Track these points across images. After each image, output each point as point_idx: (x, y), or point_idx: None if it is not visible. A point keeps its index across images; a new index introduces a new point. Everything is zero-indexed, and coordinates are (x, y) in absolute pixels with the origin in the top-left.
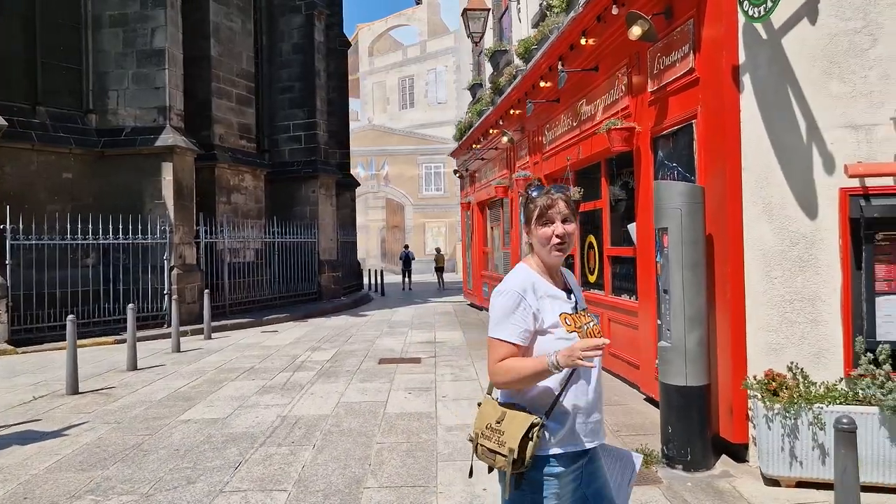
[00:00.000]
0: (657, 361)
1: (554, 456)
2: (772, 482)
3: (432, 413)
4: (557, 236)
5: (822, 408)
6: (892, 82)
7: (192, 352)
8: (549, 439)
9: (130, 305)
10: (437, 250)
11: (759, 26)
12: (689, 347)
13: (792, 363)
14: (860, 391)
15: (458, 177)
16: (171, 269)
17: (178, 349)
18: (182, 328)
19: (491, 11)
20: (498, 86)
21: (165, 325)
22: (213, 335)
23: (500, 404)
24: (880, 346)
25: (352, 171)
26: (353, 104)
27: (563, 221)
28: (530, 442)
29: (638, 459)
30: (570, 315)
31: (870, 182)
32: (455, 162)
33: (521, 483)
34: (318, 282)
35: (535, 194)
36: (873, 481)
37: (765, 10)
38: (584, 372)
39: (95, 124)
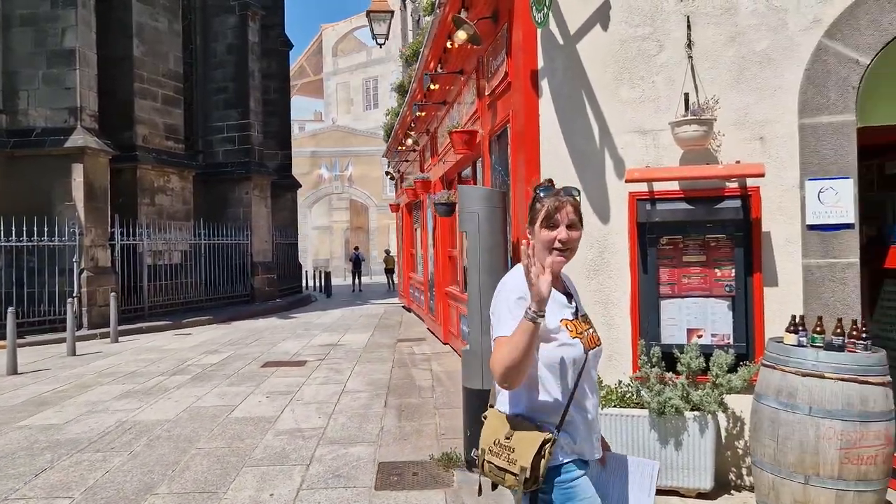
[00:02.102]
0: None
1: (568, 462)
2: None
3: (274, 417)
4: (560, 241)
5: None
6: (676, 88)
7: (88, 356)
8: (563, 447)
9: (10, 309)
10: (387, 252)
11: (555, 31)
12: (486, 351)
13: None
14: (633, 394)
15: (390, 178)
16: (80, 271)
17: (73, 353)
18: (92, 331)
19: (410, 12)
20: (403, 88)
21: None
22: (123, 338)
23: (508, 417)
24: (653, 348)
25: (317, 173)
26: (317, 105)
27: (569, 227)
28: (543, 460)
29: (655, 466)
30: (571, 321)
31: (657, 186)
32: (389, 164)
33: (538, 501)
34: (250, 284)
35: (543, 195)
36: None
37: (543, 16)
38: (588, 378)
39: (6, 125)
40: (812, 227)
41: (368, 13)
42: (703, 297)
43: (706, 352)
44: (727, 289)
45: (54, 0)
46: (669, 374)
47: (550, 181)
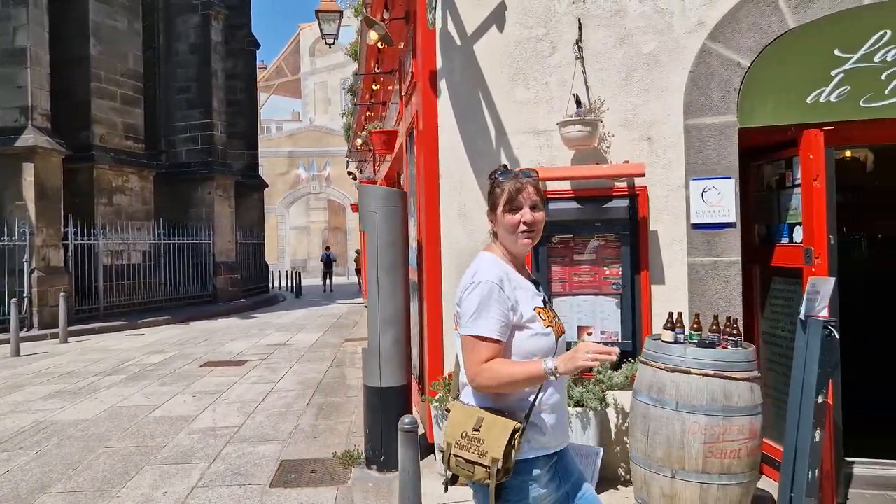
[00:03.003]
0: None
1: (533, 459)
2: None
3: (194, 416)
4: (525, 223)
5: None
6: (569, 88)
7: (32, 356)
8: (530, 442)
9: None
10: (358, 252)
11: (453, 32)
12: (383, 348)
13: None
14: None
15: (353, 178)
16: (31, 271)
17: (17, 353)
18: (42, 332)
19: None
20: (353, 89)
21: (25, 329)
22: (74, 339)
23: (475, 409)
24: None
25: (294, 173)
26: (295, 105)
27: (532, 208)
28: (513, 450)
29: (599, 452)
30: (543, 309)
31: (550, 186)
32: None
33: (502, 494)
34: (213, 284)
35: (502, 178)
36: None
37: (432, 17)
38: None
39: None
40: (696, 227)
41: (317, 13)
42: (593, 295)
43: None
44: (615, 287)
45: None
46: None
47: (505, 166)
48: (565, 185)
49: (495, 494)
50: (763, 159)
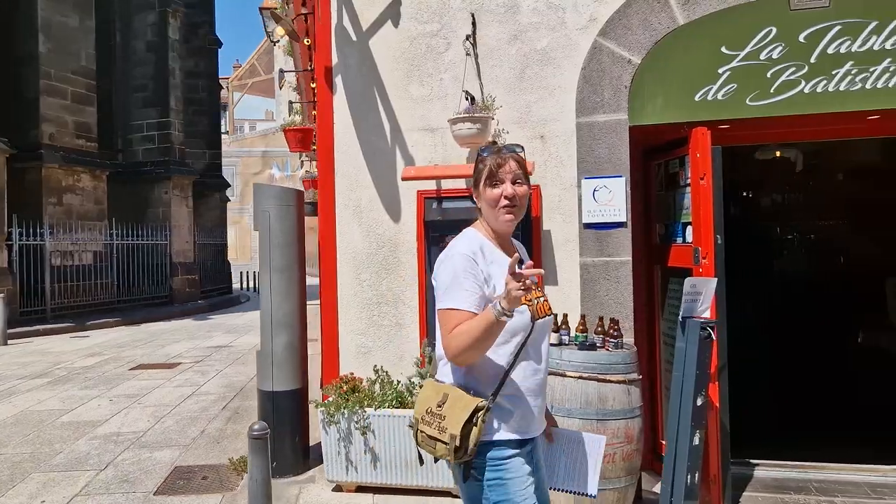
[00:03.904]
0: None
1: (503, 441)
2: (338, 487)
3: (102, 421)
4: (506, 197)
5: (371, 412)
6: (461, 85)
7: None
8: (497, 424)
9: None
10: None
11: (349, 27)
12: (276, 352)
13: (378, 366)
14: (408, 394)
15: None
16: None
17: None
18: None
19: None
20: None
21: None
22: (15, 341)
23: (442, 386)
24: (427, 347)
25: (268, 172)
26: (269, 104)
27: (514, 182)
28: (474, 427)
29: (602, 441)
30: None
31: (444, 185)
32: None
33: (471, 473)
34: (169, 285)
35: (485, 154)
36: (420, 485)
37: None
38: (534, 351)
39: None
40: (588, 226)
41: (261, 10)
42: None
43: None
44: None
45: None
46: None
47: (493, 142)
48: (459, 184)
49: (465, 474)
50: (662, 158)
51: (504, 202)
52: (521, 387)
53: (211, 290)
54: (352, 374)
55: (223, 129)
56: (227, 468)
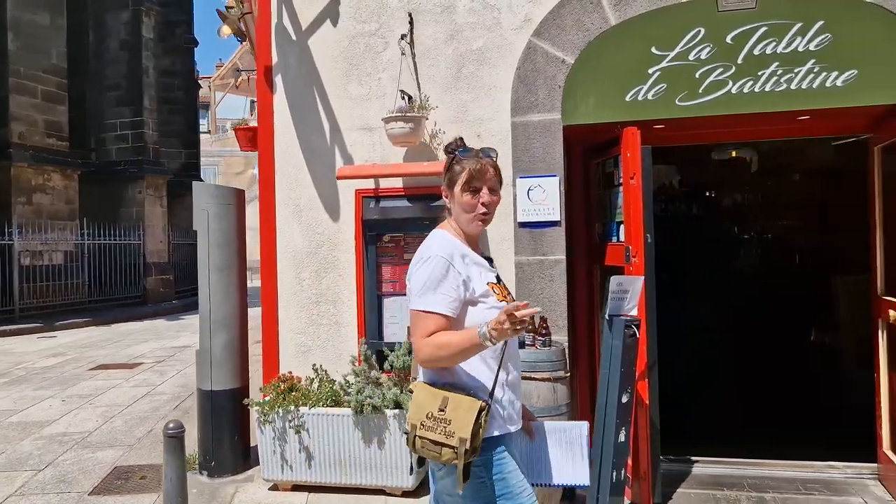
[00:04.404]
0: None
1: (498, 437)
2: (275, 486)
3: (51, 421)
4: (484, 205)
5: (305, 411)
6: (401, 85)
7: None
8: (495, 420)
9: None
10: None
11: (289, 26)
12: (215, 351)
13: (317, 365)
14: (340, 393)
15: None
16: None
17: None
18: None
19: None
20: None
21: None
22: None
23: (439, 388)
24: (363, 346)
25: (251, 172)
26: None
27: (491, 190)
28: (481, 428)
29: (584, 427)
30: (497, 285)
31: (383, 184)
32: None
33: (473, 472)
34: (143, 285)
35: (462, 155)
36: (354, 483)
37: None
38: (512, 349)
39: None
40: (523, 225)
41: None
42: None
43: None
44: None
45: None
46: (375, 373)
47: (461, 140)
48: (396, 184)
49: (465, 473)
50: (600, 158)
51: (481, 209)
52: (506, 383)
53: (186, 290)
54: (290, 373)
55: (205, 129)
56: None
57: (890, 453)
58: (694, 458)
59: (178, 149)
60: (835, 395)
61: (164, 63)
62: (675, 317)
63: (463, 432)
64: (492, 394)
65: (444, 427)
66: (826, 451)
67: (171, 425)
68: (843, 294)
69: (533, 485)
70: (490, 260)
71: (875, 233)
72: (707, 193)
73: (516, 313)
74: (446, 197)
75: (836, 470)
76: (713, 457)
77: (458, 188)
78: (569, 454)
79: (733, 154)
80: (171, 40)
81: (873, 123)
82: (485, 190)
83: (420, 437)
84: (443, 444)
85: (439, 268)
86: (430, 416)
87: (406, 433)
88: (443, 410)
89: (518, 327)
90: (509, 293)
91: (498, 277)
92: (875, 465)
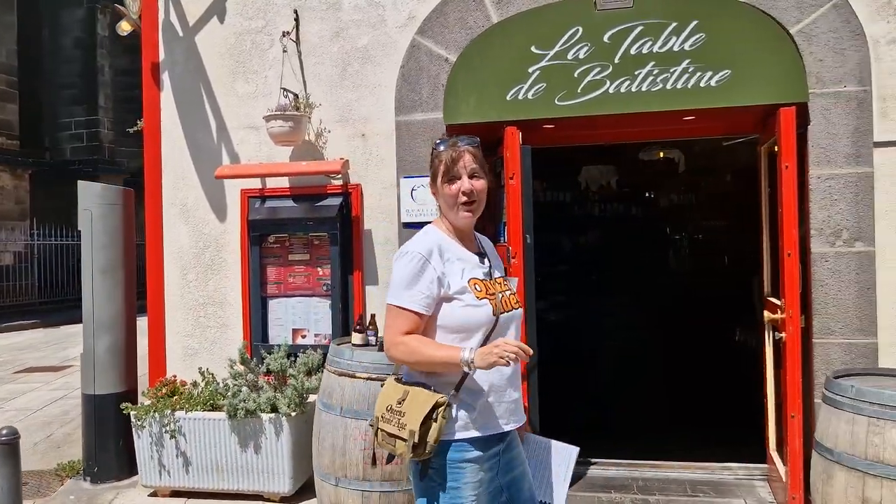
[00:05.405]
0: None
1: (466, 440)
2: (154, 493)
3: None
4: (464, 193)
5: (182, 415)
6: (286, 83)
7: None
8: (459, 420)
9: None
10: None
11: (176, 23)
12: (98, 355)
13: (203, 369)
14: (218, 397)
15: None
16: None
17: None
18: None
19: None
20: None
21: None
22: None
23: (404, 383)
24: (242, 348)
25: None
26: None
27: (471, 177)
28: (434, 423)
29: (574, 452)
30: (482, 281)
31: (269, 183)
32: None
33: (428, 472)
34: None
35: (439, 147)
36: (232, 489)
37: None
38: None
39: None
40: (407, 225)
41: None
42: (307, 297)
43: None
44: (324, 288)
45: None
46: (252, 377)
47: (443, 135)
48: (282, 183)
49: (423, 472)
50: (491, 157)
51: (462, 198)
52: (484, 383)
53: (141, 291)
54: (174, 376)
55: None
56: (51, 473)
57: (775, 454)
58: (593, 460)
59: (138, 148)
60: (754, 395)
61: (123, 62)
62: (602, 316)
63: (412, 425)
64: (457, 389)
65: (399, 419)
66: (734, 451)
67: (3, 432)
68: (760, 294)
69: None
70: (482, 255)
71: (762, 234)
72: (646, 194)
73: (505, 352)
74: (434, 194)
75: (730, 471)
76: (615, 458)
77: (439, 181)
78: (552, 473)
79: (661, 155)
80: (132, 38)
81: (759, 123)
82: (464, 177)
83: (381, 430)
84: (396, 437)
85: (414, 264)
86: (389, 408)
87: (371, 425)
88: (401, 403)
89: (503, 362)
90: (506, 291)
91: (490, 273)
92: (766, 465)
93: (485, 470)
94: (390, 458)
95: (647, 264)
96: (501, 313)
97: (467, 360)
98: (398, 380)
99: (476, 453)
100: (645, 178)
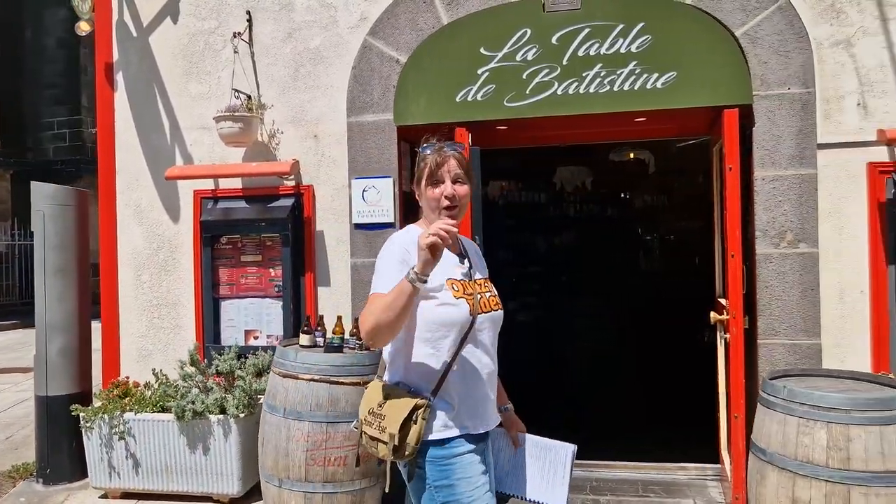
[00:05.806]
0: None
1: (447, 439)
2: (105, 495)
3: None
4: (447, 198)
5: (131, 417)
6: (239, 83)
7: None
8: (439, 421)
9: None
10: None
11: (130, 23)
12: (50, 356)
13: (157, 370)
14: (166, 399)
15: None
16: None
17: None
18: None
19: None
20: None
21: None
22: None
23: (385, 385)
24: (193, 349)
25: None
26: None
27: (455, 182)
28: (414, 425)
29: (571, 450)
30: (459, 281)
31: (222, 184)
32: None
33: (416, 473)
34: None
35: (425, 151)
36: (181, 490)
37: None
38: (479, 346)
39: None
40: (358, 227)
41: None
42: (260, 298)
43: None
44: (276, 289)
45: None
46: (201, 378)
47: (428, 136)
48: (235, 184)
49: (409, 474)
50: None
51: (444, 202)
52: (463, 383)
53: None
54: (127, 377)
55: None
56: (5, 476)
57: (725, 454)
58: None
59: None
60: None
61: None
62: (574, 316)
63: (392, 428)
64: (436, 391)
65: (379, 422)
66: (696, 450)
67: None
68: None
69: (509, 495)
70: (463, 256)
71: (715, 236)
72: (621, 195)
73: (438, 233)
74: (418, 196)
75: (684, 471)
76: (601, 459)
77: (423, 184)
78: (550, 473)
79: (631, 156)
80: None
81: (709, 125)
82: (447, 182)
83: (364, 433)
84: (378, 440)
85: (393, 255)
86: (371, 411)
87: (355, 428)
88: (381, 406)
89: (432, 242)
90: (486, 292)
91: (470, 274)
92: (719, 465)
93: (476, 463)
94: (378, 462)
95: (618, 265)
96: (479, 313)
97: (412, 277)
98: (381, 382)
99: (460, 449)
100: (617, 179)
